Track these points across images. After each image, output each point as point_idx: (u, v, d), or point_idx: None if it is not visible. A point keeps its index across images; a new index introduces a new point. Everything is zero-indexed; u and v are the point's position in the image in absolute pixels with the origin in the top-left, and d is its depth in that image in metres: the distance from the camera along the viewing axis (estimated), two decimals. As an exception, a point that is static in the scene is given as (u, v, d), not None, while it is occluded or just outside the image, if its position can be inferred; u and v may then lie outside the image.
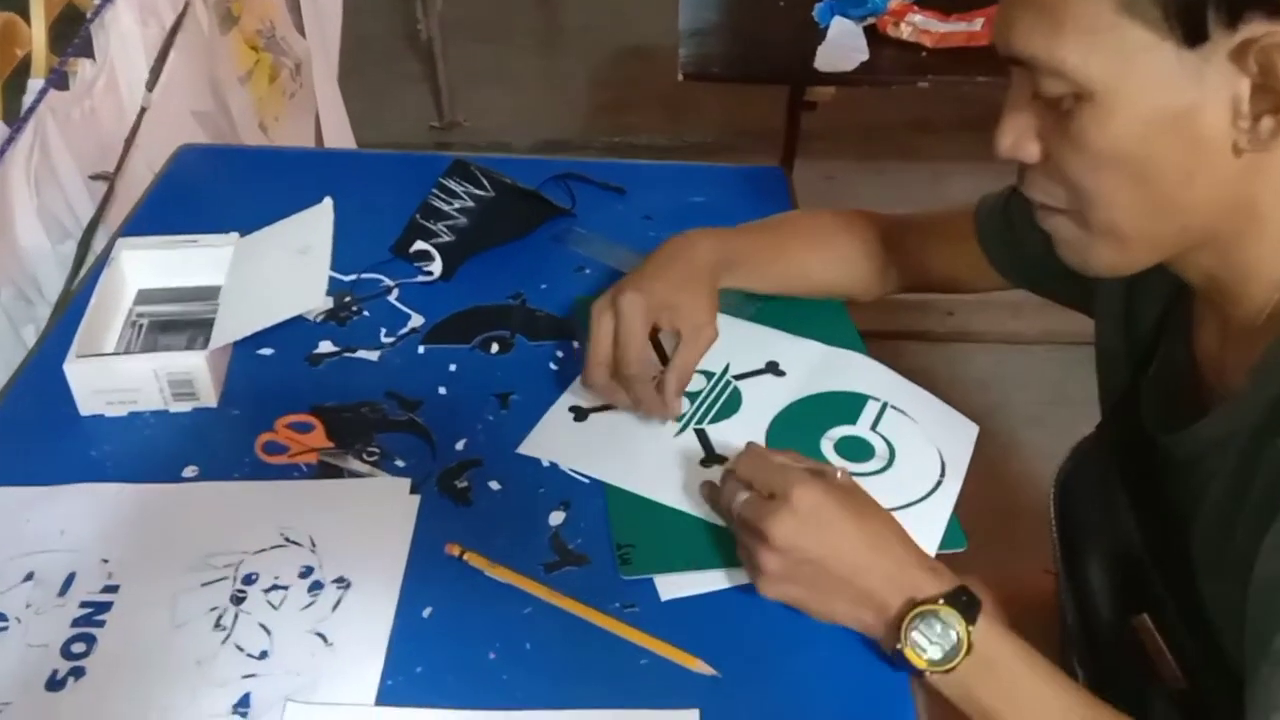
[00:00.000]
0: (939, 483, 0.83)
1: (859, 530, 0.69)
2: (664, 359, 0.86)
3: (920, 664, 0.66)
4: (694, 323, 0.85)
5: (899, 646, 0.66)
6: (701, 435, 0.87)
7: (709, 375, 0.93)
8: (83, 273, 1.14)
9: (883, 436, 0.87)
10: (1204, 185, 0.59)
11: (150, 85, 1.39)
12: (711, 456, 0.85)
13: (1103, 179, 0.60)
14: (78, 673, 0.69)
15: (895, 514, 0.78)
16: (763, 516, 0.69)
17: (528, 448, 0.87)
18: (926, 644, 0.66)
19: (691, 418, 0.88)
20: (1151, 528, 0.73)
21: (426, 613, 0.74)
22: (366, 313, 1.01)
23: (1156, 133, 0.57)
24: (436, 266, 1.05)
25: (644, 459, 0.85)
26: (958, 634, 0.65)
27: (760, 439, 0.86)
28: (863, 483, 0.80)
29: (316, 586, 0.75)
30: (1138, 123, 0.57)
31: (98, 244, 1.22)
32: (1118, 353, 0.80)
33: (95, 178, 1.28)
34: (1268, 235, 0.61)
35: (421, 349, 0.97)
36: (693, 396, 0.90)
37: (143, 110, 1.37)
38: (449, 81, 2.93)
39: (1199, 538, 0.67)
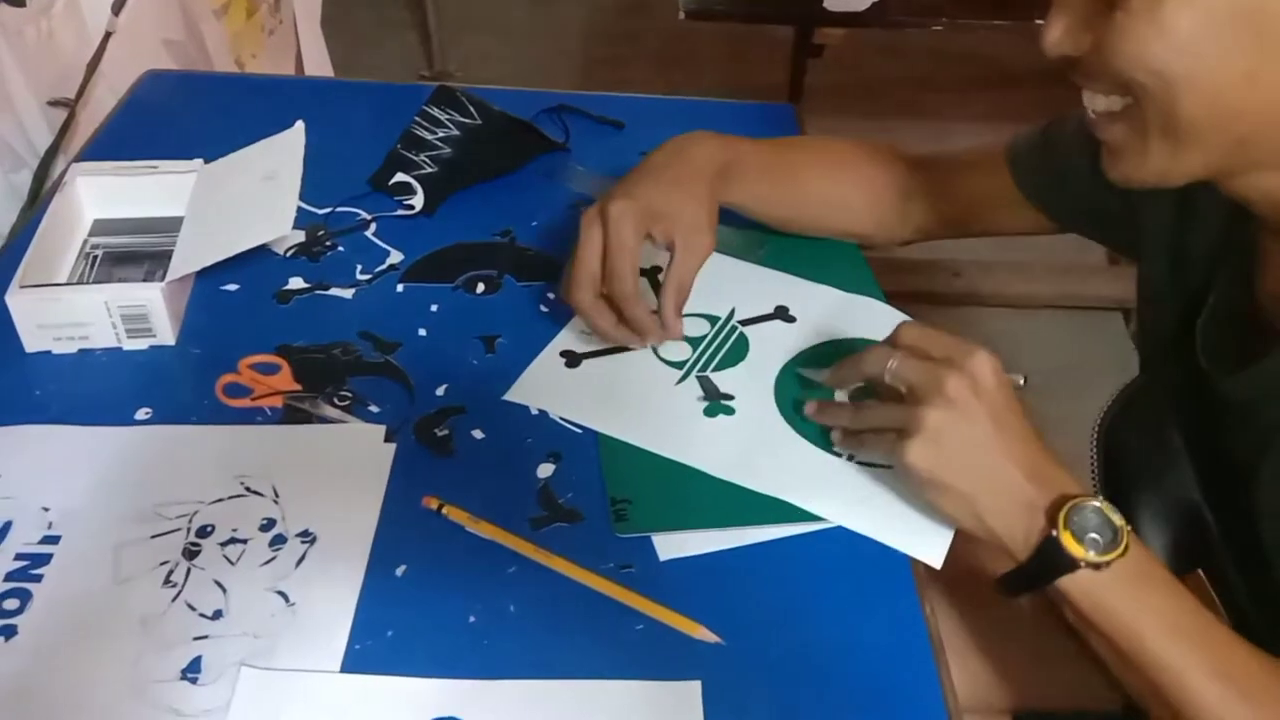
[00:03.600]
0: None
1: (1021, 413, 0.64)
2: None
3: (1078, 553, 0.60)
4: (689, 230, 0.78)
5: (1055, 534, 0.60)
6: (705, 381, 0.80)
7: (713, 320, 0.85)
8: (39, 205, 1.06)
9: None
10: (1268, 91, 0.54)
11: (116, 9, 1.30)
12: (714, 395, 0.78)
13: (1159, 71, 0.55)
14: (8, 631, 0.62)
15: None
16: (938, 370, 0.63)
17: (515, 394, 0.80)
18: (1083, 535, 0.60)
19: (694, 365, 0.81)
20: (1209, 476, 0.67)
21: (400, 571, 0.67)
22: (341, 248, 0.93)
23: (1214, 24, 0.52)
24: (418, 200, 0.97)
25: (641, 408, 0.78)
26: (1117, 527, 0.60)
27: (768, 389, 0.79)
28: None
29: (279, 541, 0.68)
30: (1196, 11, 0.52)
31: (56, 174, 1.14)
32: (1166, 291, 0.73)
33: (54, 104, 1.19)
34: None
35: (400, 287, 0.90)
36: (695, 342, 0.83)
37: (107, 35, 1.28)
38: (439, 29, 2.83)
39: (1266, 484, 0.60)
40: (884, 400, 0.69)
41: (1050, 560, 0.61)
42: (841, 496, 0.71)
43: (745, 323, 0.86)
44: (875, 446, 0.70)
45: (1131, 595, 0.60)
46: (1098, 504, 0.61)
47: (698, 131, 0.85)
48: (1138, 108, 0.57)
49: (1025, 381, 0.67)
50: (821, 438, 0.75)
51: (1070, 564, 0.60)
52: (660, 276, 0.80)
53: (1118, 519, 0.60)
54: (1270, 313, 0.65)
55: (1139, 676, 0.61)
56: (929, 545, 0.68)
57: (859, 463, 0.73)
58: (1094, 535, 0.60)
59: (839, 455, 0.73)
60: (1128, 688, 0.63)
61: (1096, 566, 0.60)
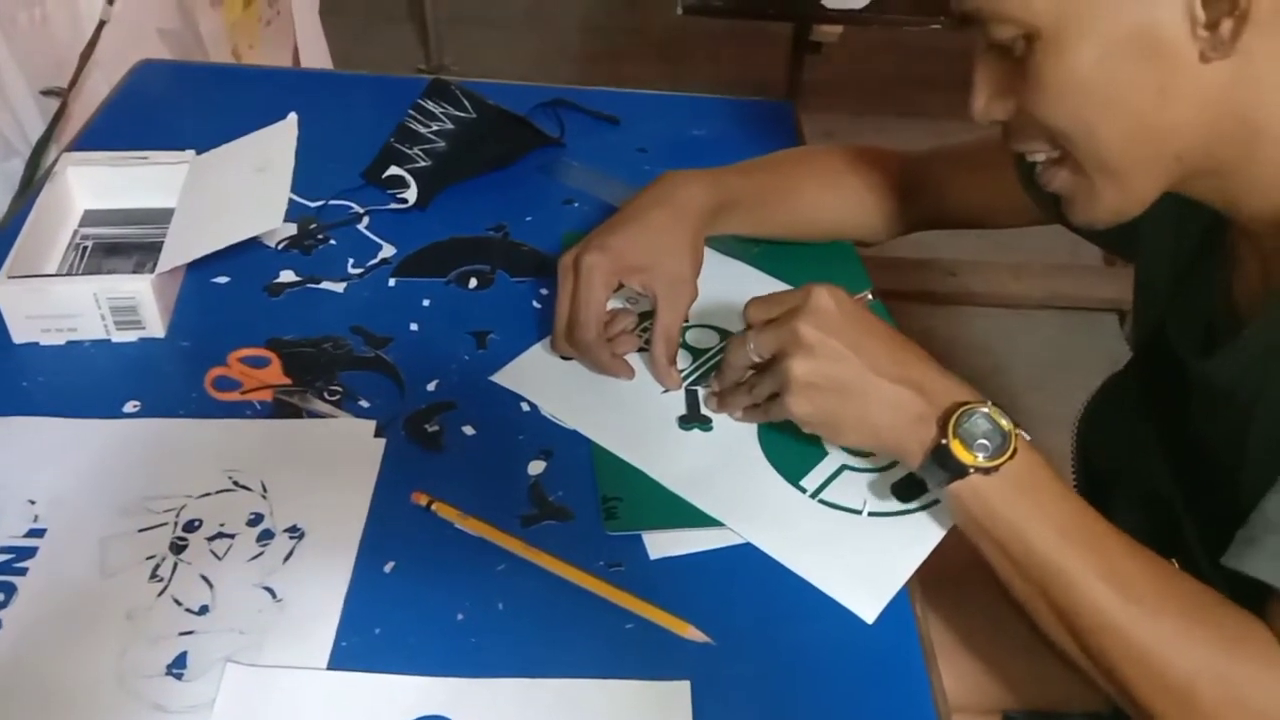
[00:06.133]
0: None
1: (885, 328, 0.67)
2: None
3: (967, 459, 0.61)
4: (670, 282, 0.78)
5: (944, 442, 0.62)
6: (690, 394, 0.79)
7: (724, 334, 0.84)
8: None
9: None
10: (1183, 103, 0.56)
11: (110, -2, 1.29)
12: (694, 413, 0.78)
13: (1074, 113, 0.58)
14: (-8, 625, 0.62)
15: (889, 520, 0.70)
16: (786, 325, 0.66)
17: (503, 377, 0.80)
18: (972, 440, 0.61)
19: (689, 375, 0.80)
20: (1184, 467, 0.68)
21: (388, 568, 0.67)
22: (333, 241, 0.93)
23: (1113, 56, 0.56)
24: (411, 193, 0.96)
25: (620, 410, 0.77)
26: (1005, 431, 0.61)
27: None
28: (864, 479, 0.73)
29: (266, 536, 0.68)
30: (1091, 49, 0.56)
31: (48, 164, 1.13)
32: (1159, 287, 0.74)
33: (47, 93, 1.19)
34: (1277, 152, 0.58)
35: (392, 282, 0.89)
36: (698, 353, 0.82)
37: (102, 23, 1.27)
38: (436, 22, 2.82)
39: (1252, 462, 0.61)
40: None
41: (941, 467, 0.62)
42: (789, 534, 0.69)
43: None
44: (776, 413, 0.70)
45: (1020, 499, 0.61)
46: (987, 410, 0.62)
47: (683, 172, 0.84)
48: (1070, 156, 0.60)
49: (872, 295, 0.71)
50: (793, 470, 0.73)
51: (960, 469, 0.61)
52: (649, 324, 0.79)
53: (1006, 423, 0.62)
54: (1244, 307, 0.66)
55: (1028, 581, 0.62)
56: (866, 601, 0.66)
57: (823, 502, 0.71)
58: (983, 441, 0.61)
59: (803, 491, 0.72)
60: (1015, 594, 0.64)
61: (986, 471, 0.61)
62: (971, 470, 0.61)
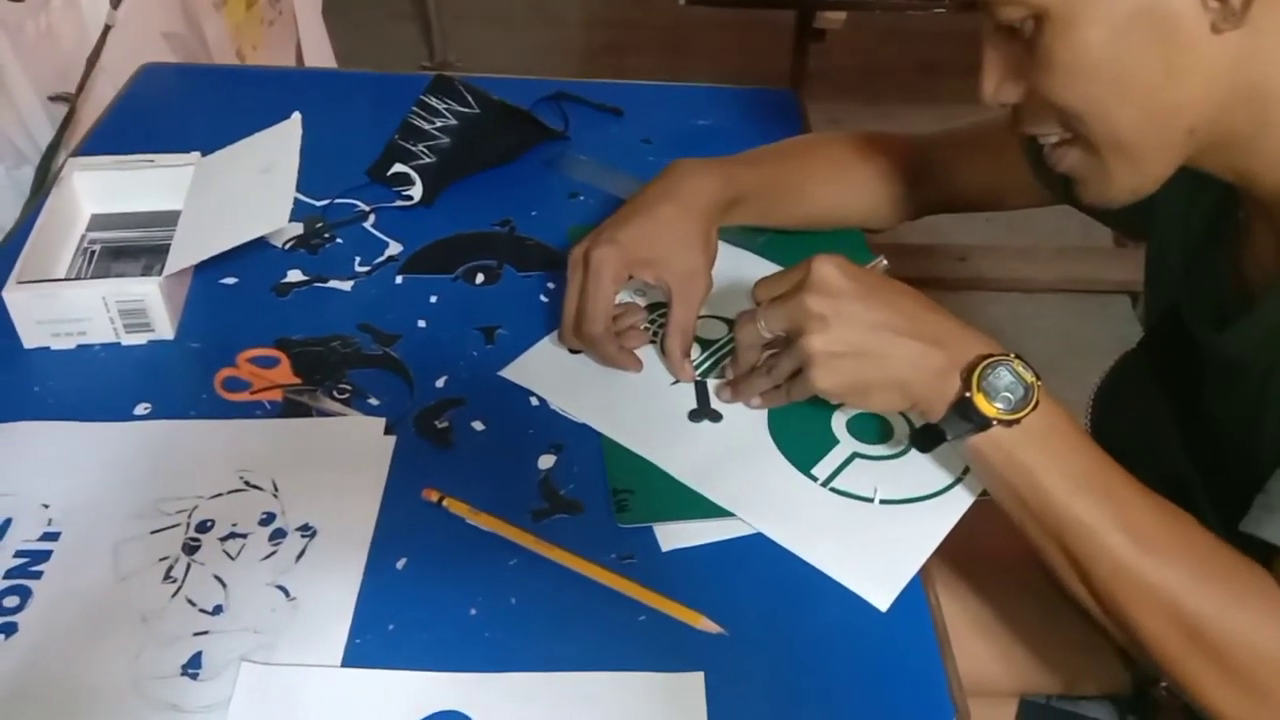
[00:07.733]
0: (959, 478, 0.71)
1: (893, 285, 0.67)
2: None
3: (990, 411, 0.61)
4: (683, 275, 0.77)
5: (968, 395, 0.62)
6: (700, 387, 0.79)
7: (733, 325, 0.84)
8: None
9: (905, 416, 0.76)
10: (1194, 77, 0.56)
11: (115, 3, 1.29)
12: (703, 406, 0.77)
13: (1085, 93, 0.58)
14: (8, 629, 0.62)
15: (901, 508, 0.70)
16: (794, 301, 0.66)
17: (512, 372, 0.80)
18: (995, 393, 0.62)
19: (698, 366, 0.80)
20: (1199, 445, 0.69)
21: (400, 564, 0.67)
22: (340, 240, 0.93)
23: (1123, 33, 0.55)
24: (417, 190, 0.96)
25: (630, 403, 0.77)
26: (1028, 384, 0.61)
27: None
28: (875, 467, 0.73)
29: (279, 535, 0.68)
30: (1100, 27, 0.55)
31: (58, 169, 1.13)
32: (1172, 265, 0.74)
33: (55, 99, 1.19)
34: None
35: (399, 279, 0.89)
36: (707, 344, 0.82)
37: (107, 29, 1.27)
38: (440, 19, 2.82)
39: (1267, 441, 0.61)
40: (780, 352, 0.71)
41: (964, 419, 0.62)
42: (800, 523, 0.69)
43: None
44: (799, 392, 0.70)
45: (1040, 450, 0.62)
46: (1011, 362, 0.62)
47: (692, 161, 0.83)
48: (1082, 137, 0.60)
49: (885, 263, 0.71)
50: (804, 459, 0.73)
51: (983, 422, 0.62)
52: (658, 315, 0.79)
53: (1029, 375, 0.62)
54: (1256, 281, 0.66)
55: (1044, 529, 0.62)
56: (879, 589, 0.66)
57: (835, 491, 0.71)
58: (1006, 394, 0.61)
59: (814, 480, 0.71)
60: (1031, 541, 0.64)
61: (1007, 423, 0.61)
62: (994, 423, 0.61)
